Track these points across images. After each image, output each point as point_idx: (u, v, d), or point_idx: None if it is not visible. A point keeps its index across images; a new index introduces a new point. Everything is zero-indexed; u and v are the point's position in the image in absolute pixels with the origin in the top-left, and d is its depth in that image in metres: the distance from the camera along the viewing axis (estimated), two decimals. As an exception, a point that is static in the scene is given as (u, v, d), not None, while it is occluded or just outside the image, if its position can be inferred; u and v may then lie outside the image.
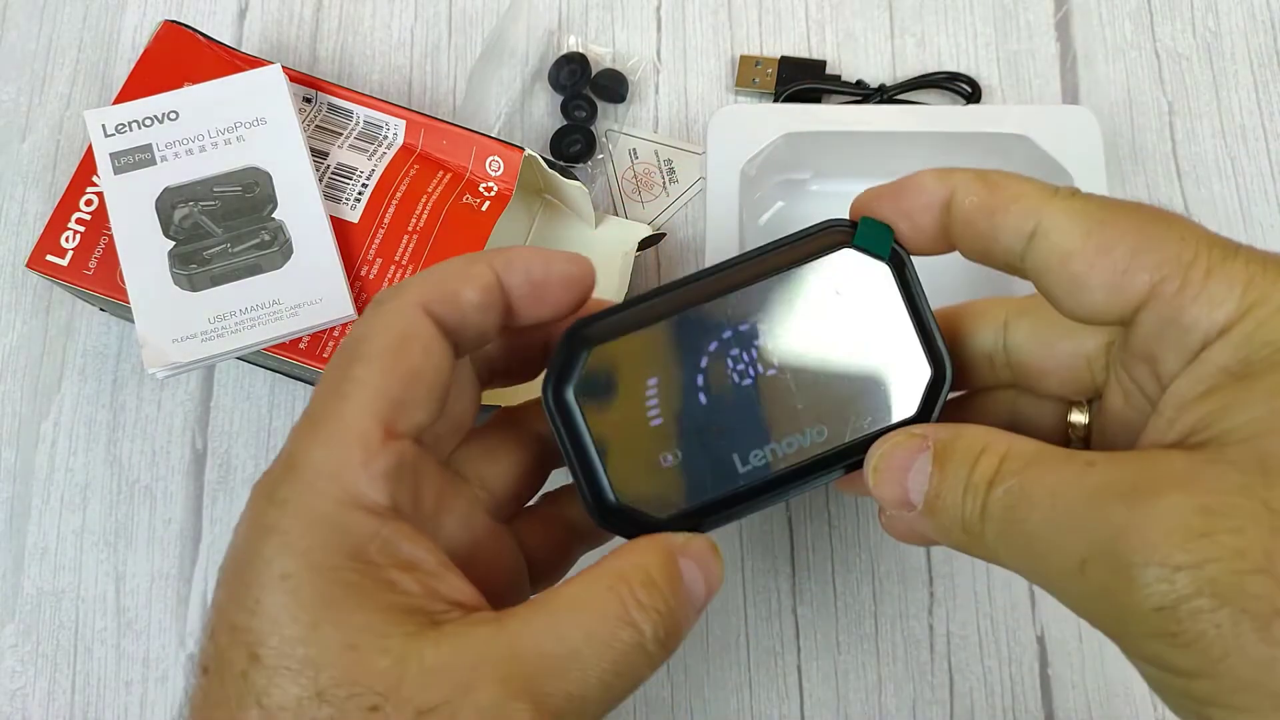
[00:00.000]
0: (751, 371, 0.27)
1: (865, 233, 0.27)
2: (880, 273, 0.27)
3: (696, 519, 0.27)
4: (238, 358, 0.44)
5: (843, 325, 0.27)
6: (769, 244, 0.28)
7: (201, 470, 0.43)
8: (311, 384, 0.44)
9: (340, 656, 0.21)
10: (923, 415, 0.27)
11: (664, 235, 0.45)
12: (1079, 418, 0.28)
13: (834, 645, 0.40)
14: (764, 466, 0.27)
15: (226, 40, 0.48)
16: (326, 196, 0.40)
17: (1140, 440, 0.23)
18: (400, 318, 0.24)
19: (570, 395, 0.26)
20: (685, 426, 0.27)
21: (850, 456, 0.27)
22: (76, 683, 0.41)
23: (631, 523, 0.26)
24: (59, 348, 0.45)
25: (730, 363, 0.27)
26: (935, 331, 0.27)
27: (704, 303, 0.27)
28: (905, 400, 0.27)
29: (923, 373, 0.27)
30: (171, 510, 0.43)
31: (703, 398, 0.27)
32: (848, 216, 0.28)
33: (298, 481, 0.23)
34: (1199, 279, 0.22)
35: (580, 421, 0.26)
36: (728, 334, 0.27)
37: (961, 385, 0.29)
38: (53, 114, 0.48)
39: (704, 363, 0.27)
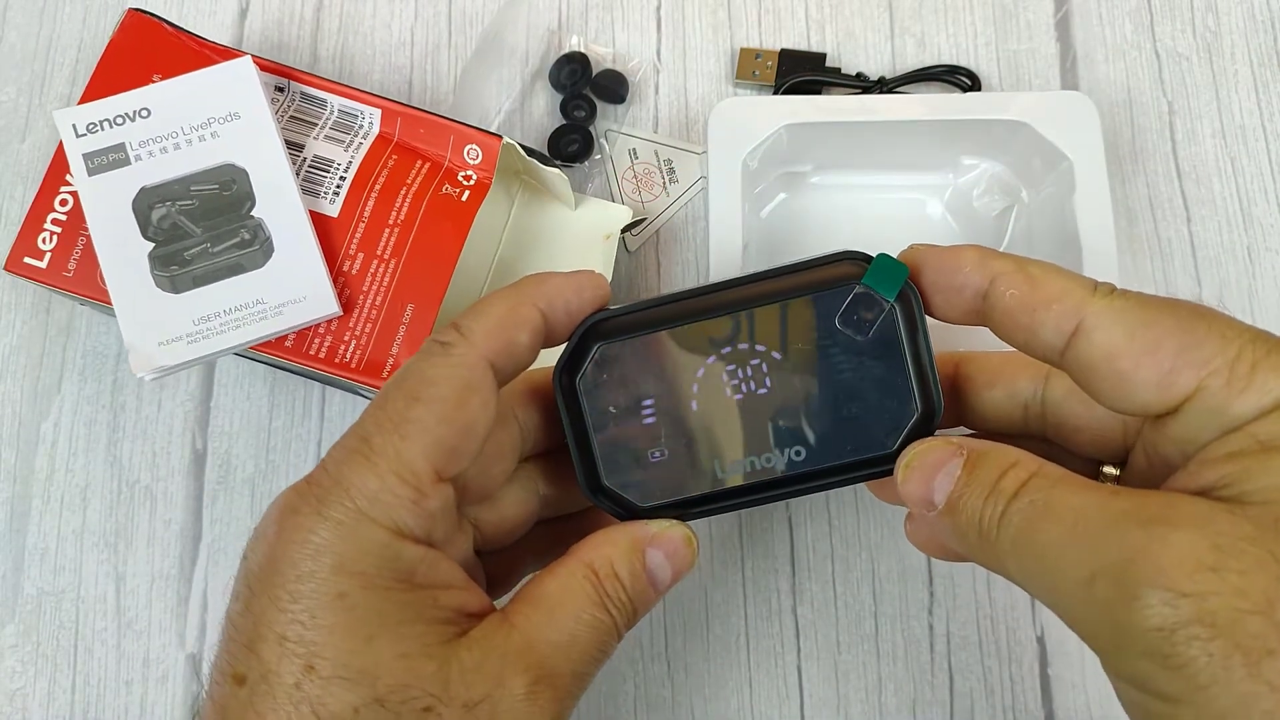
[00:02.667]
0: (744, 387, 0.28)
1: (877, 271, 0.28)
2: (886, 311, 0.28)
3: (674, 511, 0.29)
4: (236, 354, 0.44)
5: (840, 355, 0.28)
6: (783, 266, 0.29)
7: (201, 470, 0.43)
8: (306, 377, 0.44)
9: (395, 664, 0.23)
10: (899, 452, 0.28)
11: (643, 220, 0.45)
12: (1111, 470, 0.28)
13: (834, 645, 0.40)
14: (740, 476, 0.28)
15: (226, 41, 0.48)
16: (305, 191, 0.39)
17: (1163, 487, 0.24)
18: (466, 370, 0.26)
19: (578, 383, 0.28)
20: (674, 428, 0.28)
21: (823, 479, 0.28)
22: (76, 683, 0.41)
23: (618, 504, 0.29)
24: (59, 348, 0.45)
25: (725, 376, 0.28)
26: (931, 372, 0.28)
27: (710, 316, 0.28)
28: (889, 435, 0.28)
29: (911, 411, 0.28)
30: (171, 511, 0.43)
31: (695, 404, 0.28)
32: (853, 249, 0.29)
33: (350, 505, 0.24)
34: (1245, 374, 0.23)
35: (583, 408, 0.29)
36: (726, 349, 0.28)
37: (992, 431, 0.30)
38: (52, 114, 0.48)
39: (700, 372, 0.28)
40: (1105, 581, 0.21)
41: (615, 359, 0.28)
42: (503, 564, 0.31)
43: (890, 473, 0.28)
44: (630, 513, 0.29)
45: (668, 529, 0.28)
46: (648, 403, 0.28)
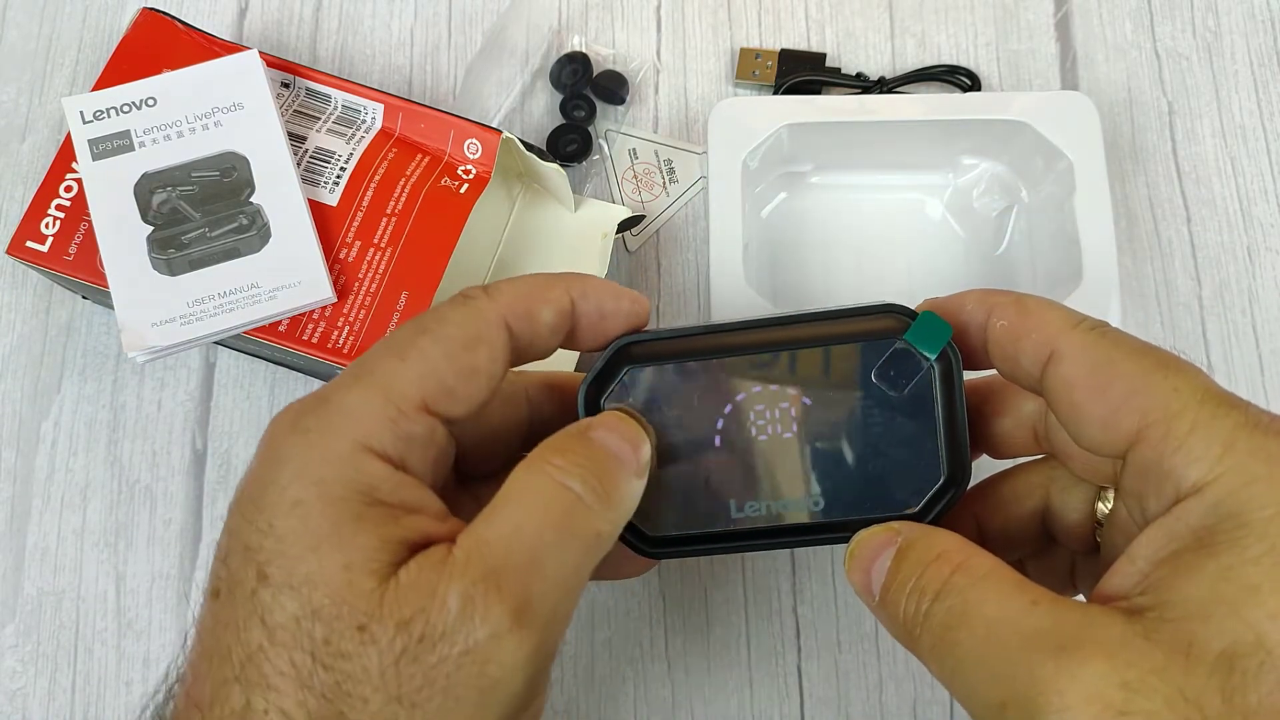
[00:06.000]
0: (770, 429, 0.27)
1: (920, 329, 0.27)
2: (925, 370, 0.27)
3: (682, 546, 0.28)
4: (234, 349, 0.44)
5: (873, 409, 0.27)
6: (824, 310, 0.28)
7: (201, 470, 0.43)
8: (302, 371, 0.44)
9: (335, 576, 0.22)
10: (923, 515, 0.27)
11: (642, 217, 0.45)
12: (1104, 508, 0.28)
13: (834, 645, 0.40)
14: (756, 518, 0.28)
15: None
16: (305, 180, 0.40)
17: (1107, 576, 0.24)
18: (481, 320, 0.26)
19: (603, 403, 0.28)
20: (695, 461, 0.28)
21: (840, 532, 0.28)
22: (76, 683, 0.41)
23: (629, 530, 0.28)
24: (59, 348, 0.45)
25: (752, 415, 0.28)
26: (963, 438, 0.27)
27: (743, 353, 0.28)
28: (911, 496, 0.27)
29: (937, 475, 0.27)
30: (171, 510, 0.43)
31: (718, 440, 0.28)
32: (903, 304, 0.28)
33: (324, 416, 0.24)
34: (1182, 431, 0.22)
35: None
36: (757, 389, 0.27)
37: (1004, 454, 0.30)
38: (52, 114, 0.48)
39: (728, 409, 0.28)
40: (1015, 712, 0.21)
41: (643, 384, 0.28)
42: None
43: None
44: (637, 540, 0.28)
45: (596, 419, 0.27)
46: (672, 433, 0.28)
